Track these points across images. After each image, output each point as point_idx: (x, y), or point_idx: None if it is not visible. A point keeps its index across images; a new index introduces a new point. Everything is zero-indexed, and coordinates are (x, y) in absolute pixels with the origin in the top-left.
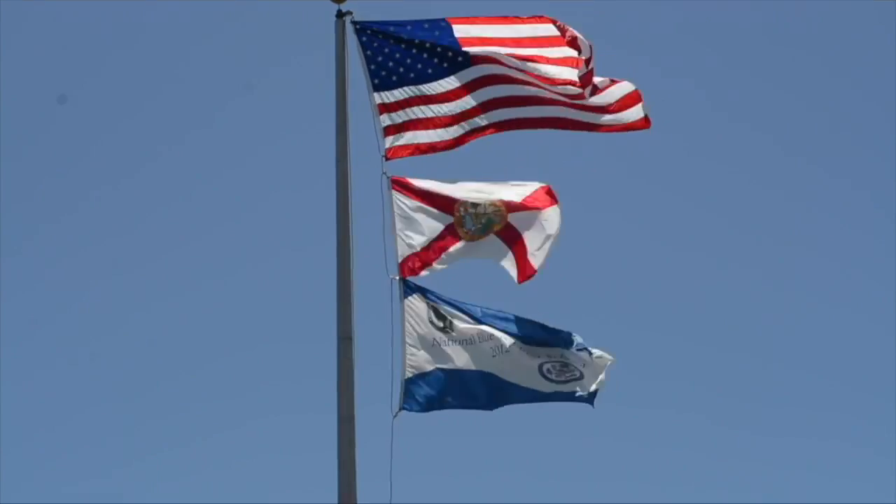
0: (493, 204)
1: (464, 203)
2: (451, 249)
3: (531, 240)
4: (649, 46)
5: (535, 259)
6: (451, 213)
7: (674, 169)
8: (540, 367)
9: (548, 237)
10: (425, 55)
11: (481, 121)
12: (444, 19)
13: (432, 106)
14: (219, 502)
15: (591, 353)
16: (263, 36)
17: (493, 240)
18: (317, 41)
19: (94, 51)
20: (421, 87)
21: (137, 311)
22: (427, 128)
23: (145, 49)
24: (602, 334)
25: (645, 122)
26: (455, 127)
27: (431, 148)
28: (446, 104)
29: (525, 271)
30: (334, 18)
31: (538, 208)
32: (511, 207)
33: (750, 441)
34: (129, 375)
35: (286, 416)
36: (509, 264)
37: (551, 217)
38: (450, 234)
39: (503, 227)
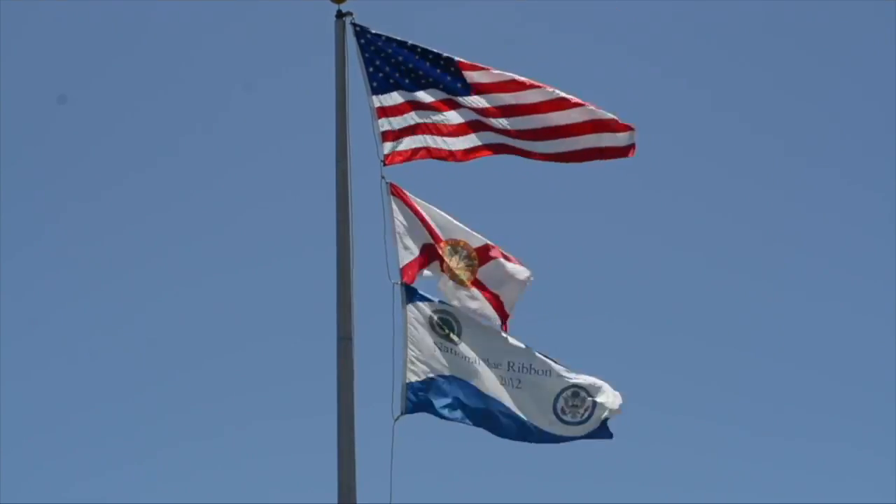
0: (468, 254)
1: (447, 243)
2: (440, 276)
3: (504, 293)
4: (648, 45)
5: (508, 306)
6: (437, 244)
7: (672, 169)
8: (555, 402)
9: (520, 283)
10: (427, 63)
11: (480, 138)
12: (454, 63)
13: (430, 113)
14: (218, 502)
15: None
16: (263, 36)
17: (469, 291)
18: (317, 41)
19: (94, 51)
20: (418, 93)
21: (137, 311)
22: (423, 133)
23: (145, 49)
24: (603, 334)
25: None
26: (455, 139)
27: (428, 153)
28: (444, 113)
29: (502, 317)
30: (334, 19)
31: (506, 258)
32: (482, 258)
33: (750, 441)
34: (129, 375)
35: (286, 417)
36: (487, 311)
37: (519, 269)
38: (435, 254)
39: (473, 281)
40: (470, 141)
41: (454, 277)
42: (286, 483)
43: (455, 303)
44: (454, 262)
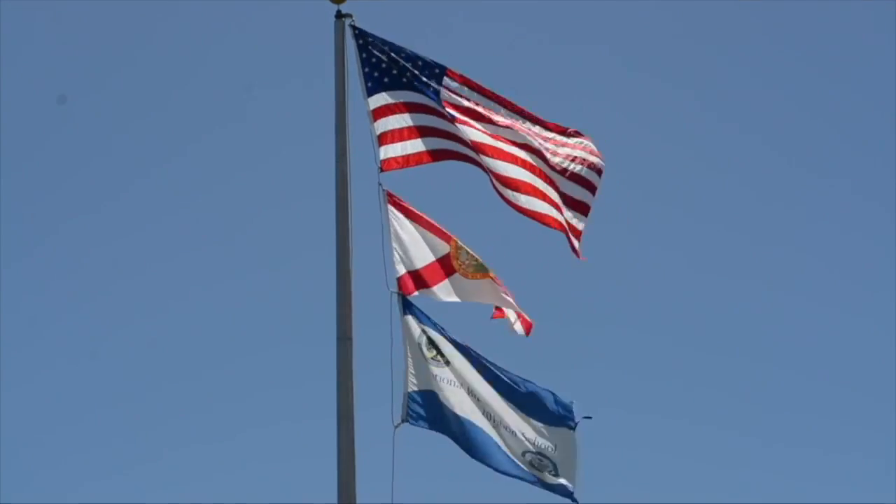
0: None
1: (457, 240)
2: (447, 282)
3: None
4: (644, 47)
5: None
6: (447, 243)
7: (668, 172)
8: (524, 454)
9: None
10: (417, 72)
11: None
12: (442, 74)
13: (423, 115)
14: (218, 502)
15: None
16: (263, 37)
17: (489, 283)
18: (316, 43)
19: (94, 51)
20: (411, 93)
21: (138, 314)
22: (415, 137)
23: (145, 49)
24: (603, 340)
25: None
26: (446, 140)
27: (421, 158)
28: (436, 117)
29: (526, 321)
30: (334, 20)
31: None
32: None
33: (749, 446)
34: (129, 378)
35: (286, 417)
36: (508, 308)
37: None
38: (444, 266)
39: (495, 275)
40: (451, 145)
41: (469, 267)
42: (286, 484)
43: (467, 296)
44: (463, 258)
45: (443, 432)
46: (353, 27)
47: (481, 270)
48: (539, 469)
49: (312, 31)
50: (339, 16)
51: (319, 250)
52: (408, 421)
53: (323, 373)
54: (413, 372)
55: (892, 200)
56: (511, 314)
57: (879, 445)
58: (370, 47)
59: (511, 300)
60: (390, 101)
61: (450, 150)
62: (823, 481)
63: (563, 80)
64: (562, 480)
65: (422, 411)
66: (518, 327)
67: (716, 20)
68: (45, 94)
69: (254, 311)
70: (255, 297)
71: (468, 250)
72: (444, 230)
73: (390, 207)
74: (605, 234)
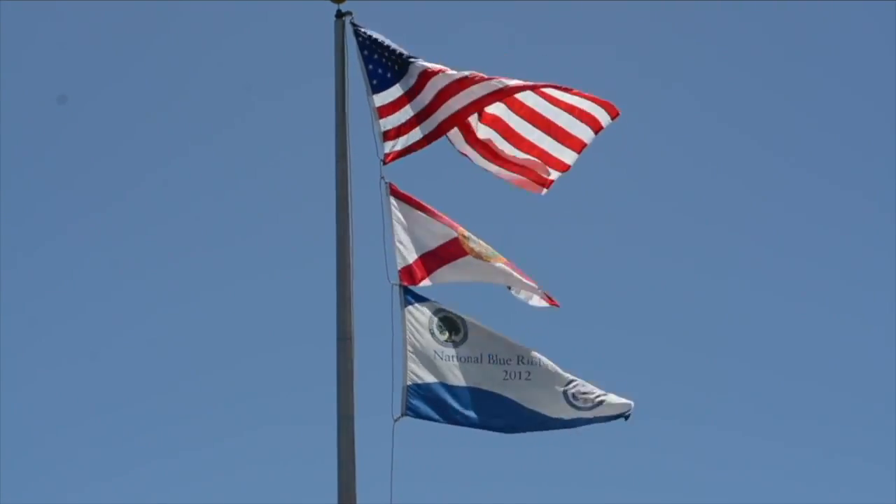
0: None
1: (464, 231)
2: (459, 262)
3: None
4: (640, 48)
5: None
6: (455, 229)
7: (667, 172)
8: (565, 393)
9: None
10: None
11: (452, 106)
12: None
13: (415, 99)
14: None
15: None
16: (263, 36)
17: (501, 267)
18: (317, 42)
19: (94, 51)
20: (406, 76)
21: (137, 314)
22: (413, 126)
23: (145, 49)
24: (599, 341)
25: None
26: (438, 111)
27: (426, 141)
28: (421, 93)
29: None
30: (334, 19)
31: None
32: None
33: (750, 446)
34: (130, 378)
35: (286, 418)
36: (525, 288)
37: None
38: (454, 246)
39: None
40: (456, 103)
41: (480, 257)
42: (286, 484)
43: (482, 277)
44: (472, 243)
45: (444, 421)
46: (354, 24)
47: (494, 256)
48: (584, 403)
49: (312, 30)
50: (339, 15)
51: (319, 250)
52: (407, 414)
53: (323, 373)
54: (416, 364)
55: (893, 200)
56: (536, 299)
57: (879, 447)
58: (372, 44)
59: (531, 283)
60: (401, 92)
61: (443, 122)
62: (824, 482)
63: (562, 81)
64: (609, 402)
65: (422, 404)
66: (541, 302)
67: (714, 20)
68: (45, 94)
69: (254, 312)
70: (256, 297)
71: (476, 239)
72: (451, 221)
73: (392, 199)
74: (604, 233)
